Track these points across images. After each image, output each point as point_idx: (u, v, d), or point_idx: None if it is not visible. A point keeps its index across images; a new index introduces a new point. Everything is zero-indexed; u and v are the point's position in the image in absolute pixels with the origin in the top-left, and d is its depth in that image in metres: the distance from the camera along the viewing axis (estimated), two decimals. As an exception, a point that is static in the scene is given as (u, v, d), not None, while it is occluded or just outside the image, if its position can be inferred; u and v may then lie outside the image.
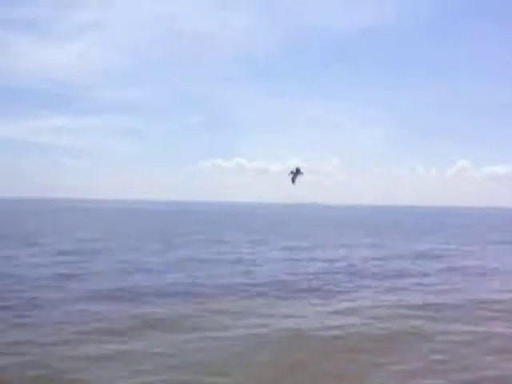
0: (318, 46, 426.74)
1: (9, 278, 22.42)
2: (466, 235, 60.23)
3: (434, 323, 15.81)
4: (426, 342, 13.89)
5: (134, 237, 47.16)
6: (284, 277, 24.62)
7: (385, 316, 16.60)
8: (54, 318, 15.47)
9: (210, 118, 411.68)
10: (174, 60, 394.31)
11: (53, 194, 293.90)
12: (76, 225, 67.45)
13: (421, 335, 14.46)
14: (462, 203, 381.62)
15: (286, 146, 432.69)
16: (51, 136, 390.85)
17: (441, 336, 14.33)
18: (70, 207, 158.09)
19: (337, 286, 22.28)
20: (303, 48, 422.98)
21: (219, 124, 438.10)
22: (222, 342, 13.46)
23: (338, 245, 42.42)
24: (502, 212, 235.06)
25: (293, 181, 22.14)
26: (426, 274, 26.80)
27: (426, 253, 37.44)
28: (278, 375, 11.41)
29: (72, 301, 18.18)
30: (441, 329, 15.11)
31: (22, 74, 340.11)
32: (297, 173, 24.00)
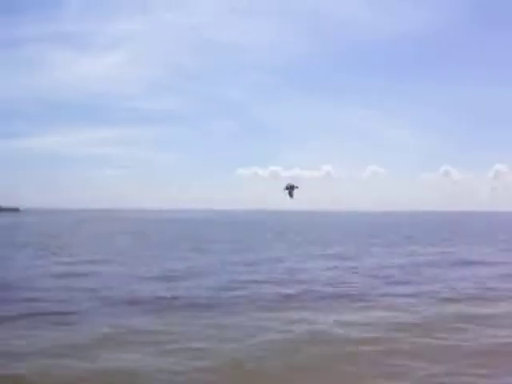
0: (356, 53, 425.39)
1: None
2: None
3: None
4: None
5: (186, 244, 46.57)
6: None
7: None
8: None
9: (245, 126, 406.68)
10: (210, 69, 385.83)
11: (92, 205, 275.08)
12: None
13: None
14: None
15: (320, 153, 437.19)
16: (90, 147, 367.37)
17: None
18: (107, 217, 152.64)
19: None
20: (339, 55, 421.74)
21: (254, 132, 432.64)
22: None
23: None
24: None
25: (290, 194, 22.20)
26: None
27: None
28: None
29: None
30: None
31: (60, 87, 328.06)
32: (292, 188, 24.72)
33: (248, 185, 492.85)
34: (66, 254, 36.81)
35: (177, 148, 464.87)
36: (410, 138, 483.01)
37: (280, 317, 16.63)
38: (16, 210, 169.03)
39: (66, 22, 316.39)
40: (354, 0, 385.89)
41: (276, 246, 46.36)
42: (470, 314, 17.37)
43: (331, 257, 36.51)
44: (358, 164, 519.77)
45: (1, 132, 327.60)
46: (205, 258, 35.08)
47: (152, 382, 10.79)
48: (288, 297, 20.38)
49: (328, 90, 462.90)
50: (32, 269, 27.94)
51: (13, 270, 28.01)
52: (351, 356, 12.60)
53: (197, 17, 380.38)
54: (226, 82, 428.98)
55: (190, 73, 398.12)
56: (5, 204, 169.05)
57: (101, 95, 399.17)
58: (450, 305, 18.89)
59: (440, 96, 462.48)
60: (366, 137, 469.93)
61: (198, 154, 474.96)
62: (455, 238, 59.86)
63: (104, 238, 56.95)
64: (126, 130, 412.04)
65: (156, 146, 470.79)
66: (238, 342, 13.52)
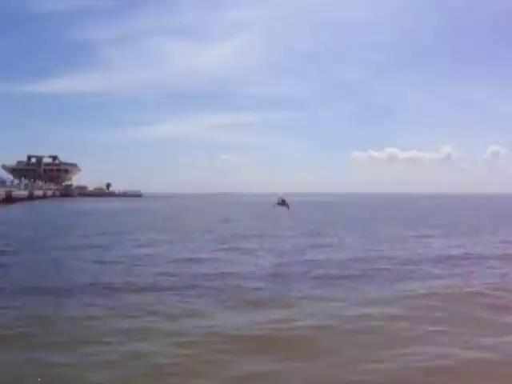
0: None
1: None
2: None
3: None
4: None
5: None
6: None
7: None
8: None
9: (362, 107, 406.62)
10: (328, 50, 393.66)
11: (209, 190, 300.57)
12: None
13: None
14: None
15: (439, 134, 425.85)
16: (209, 133, 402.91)
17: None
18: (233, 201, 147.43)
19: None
20: (464, 30, 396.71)
21: (371, 114, 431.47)
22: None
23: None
24: None
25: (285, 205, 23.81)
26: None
27: None
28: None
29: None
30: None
31: (179, 77, 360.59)
32: (283, 203, 26.86)
33: (363, 168, 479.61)
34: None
35: (294, 132, 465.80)
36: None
37: None
38: (139, 195, 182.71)
39: (183, 13, 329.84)
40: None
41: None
42: None
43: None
44: (479, 144, 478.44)
45: (124, 121, 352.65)
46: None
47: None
48: None
49: (447, 68, 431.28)
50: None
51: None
52: None
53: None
54: (344, 63, 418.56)
55: (308, 55, 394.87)
56: (130, 190, 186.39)
57: (220, 82, 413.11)
58: None
59: None
60: (487, 116, 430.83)
61: (314, 138, 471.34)
62: None
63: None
64: (243, 116, 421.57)
65: (273, 131, 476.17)
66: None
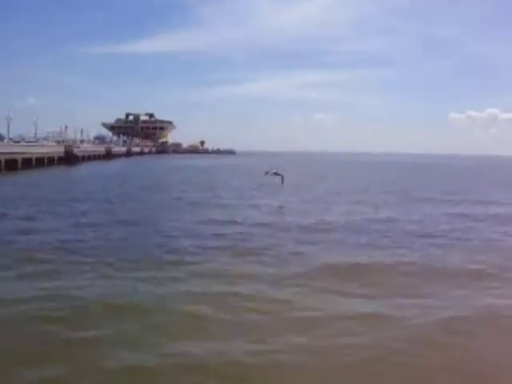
0: None
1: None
2: None
3: None
4: None
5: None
6: None
7: None
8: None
9: (458, 66, 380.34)
10: (422, 5, 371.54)
11: (301, 148, 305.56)
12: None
13: None
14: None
15: None
16: (299, 92, 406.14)
17: None
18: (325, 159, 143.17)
19: None
20: None
21: (469, 72, 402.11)
22: None
23: None
24: None
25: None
26: None
27: None
28: None
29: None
30: None
31: (270, 35, 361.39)
32: (276, 174, 27.13)
33: (461, 129, 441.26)
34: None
35: (386, 91, 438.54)
36: None
37: None
38: (233, 152, 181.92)
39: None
40: None
41: None
42: None
43: None
44: None
45: (214, 80, 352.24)
46: None
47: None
48: None
49: None
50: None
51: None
52: None
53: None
54: (438, 19, 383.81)
55: (400, 11, 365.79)
56: (223, 147, 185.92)
57: (310, 39, 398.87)
58: None
59: None
60: None
61: (408, 97, 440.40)
62: None
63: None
64: (334, 74, 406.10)
65: (364, 90, 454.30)
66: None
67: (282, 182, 26.85)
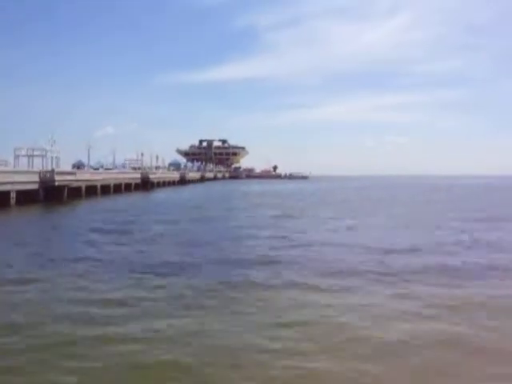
0: None
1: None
2: None
3: None
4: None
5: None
6: None
7: None
8: None
9: None
10: (502, 20, 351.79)
11: (370, 172, 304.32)
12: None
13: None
14: None
15: None
16: (371, 114, 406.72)
17: None
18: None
19: None
20: None
21: None
22: None
23: None
24: None
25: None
26: None
27: None
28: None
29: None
30: None
31: (341, 59, 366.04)
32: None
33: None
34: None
35: (461, 112, 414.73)
36: None
37: None
38: (305, 177, 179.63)
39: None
40: None
41: None
42: None
43: None
44: None
45: (288, 104, 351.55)
46: None
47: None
48: None
49: None
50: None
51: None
52: None
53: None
54: None
55: (477, 28, 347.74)
56: (295, 171, 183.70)
57: (383, 62, 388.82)
58: None
59: None
60: None
61: (489, 117, 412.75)
62: None
63: None
64: (408, 96, 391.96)
65: (438, 111, 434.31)
66: None
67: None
